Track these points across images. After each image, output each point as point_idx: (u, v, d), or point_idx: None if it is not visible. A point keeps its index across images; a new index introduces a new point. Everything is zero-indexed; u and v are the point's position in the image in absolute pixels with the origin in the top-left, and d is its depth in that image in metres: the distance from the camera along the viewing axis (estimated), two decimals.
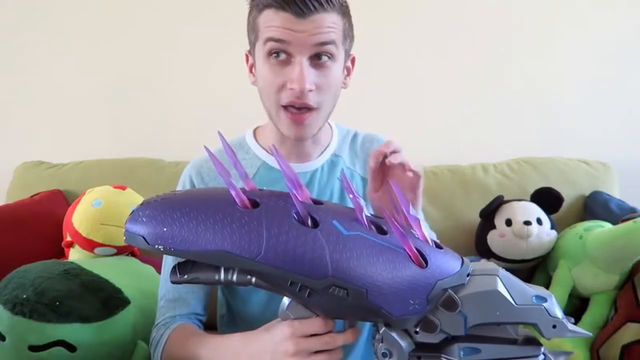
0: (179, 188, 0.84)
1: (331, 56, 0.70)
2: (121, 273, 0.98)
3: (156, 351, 0.75)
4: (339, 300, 0.50)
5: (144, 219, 0.50)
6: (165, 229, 0.49)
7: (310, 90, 0.69)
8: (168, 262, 0.80)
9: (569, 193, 1.37)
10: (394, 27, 1.54)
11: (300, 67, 0.68)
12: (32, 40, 1.55)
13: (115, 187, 1.19)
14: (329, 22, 0.68)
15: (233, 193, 0.52)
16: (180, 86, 1.58)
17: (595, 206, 1.35)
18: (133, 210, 0.52)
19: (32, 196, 1.34)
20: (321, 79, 0.71)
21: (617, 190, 1.42)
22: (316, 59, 0.70)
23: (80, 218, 1.12)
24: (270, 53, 0.70)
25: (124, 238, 0.51)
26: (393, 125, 1.54)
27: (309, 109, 0.71)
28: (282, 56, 0.69)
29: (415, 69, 1.57)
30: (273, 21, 0.68)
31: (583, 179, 1.41)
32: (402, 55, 1.56)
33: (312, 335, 0.55)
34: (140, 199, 1.18)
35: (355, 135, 0.92)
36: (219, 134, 0.55)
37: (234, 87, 1.44)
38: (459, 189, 1.41)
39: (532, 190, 1.31)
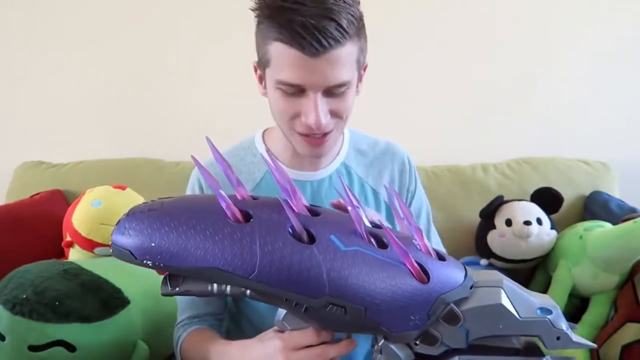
0: (188, 193, 0.84)
1: (346, 86, 0.67)
2: (121, 273, 0.98)
3: (176, 350, 0.79)
4: (337, 317, 0.48)
5: (130, 232, 0.48)
6: (152, 244, 0.47)
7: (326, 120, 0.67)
8: None
9: (569, 193, 1.37)
10: (395, 24, 1.54)
11: (314, 103, 0.64)
12: (32, 41, 1.55)
13: (115, 187, 1.19)
14: (344, 56, 0.63)
15: (223, 205, 0.49)
16: (181, 86, 1.58)
17: (595, 206, 1.35)
18: (119, 220, 0.49)
19: (32, 196, 1.34)
20: (336, 105, 0.67)
21: (617, 190, 1.42)
22: (331, 90, 0.66)
23: (80, 218, 1.12)
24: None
25: (111, 251, 0.48)
26: (394, 125, 1.54)
27: (327, 133, 0.69)
28: (296, 90, 0.65)
29: (415, 69, 1.56)
30: (284, 58, 0.62)
31: (583, 179, 1.41)
32: (403, 54, 1.55)
33: (304, 347, 0.55)
34: (140, 199, 1.18)
35: (374, 144, 0.89)
36: (207, 139, 0.51)
37: (234, 88, 1.44)
38: (459, 189, 1.40)
39: (532, 190, 1.31)
